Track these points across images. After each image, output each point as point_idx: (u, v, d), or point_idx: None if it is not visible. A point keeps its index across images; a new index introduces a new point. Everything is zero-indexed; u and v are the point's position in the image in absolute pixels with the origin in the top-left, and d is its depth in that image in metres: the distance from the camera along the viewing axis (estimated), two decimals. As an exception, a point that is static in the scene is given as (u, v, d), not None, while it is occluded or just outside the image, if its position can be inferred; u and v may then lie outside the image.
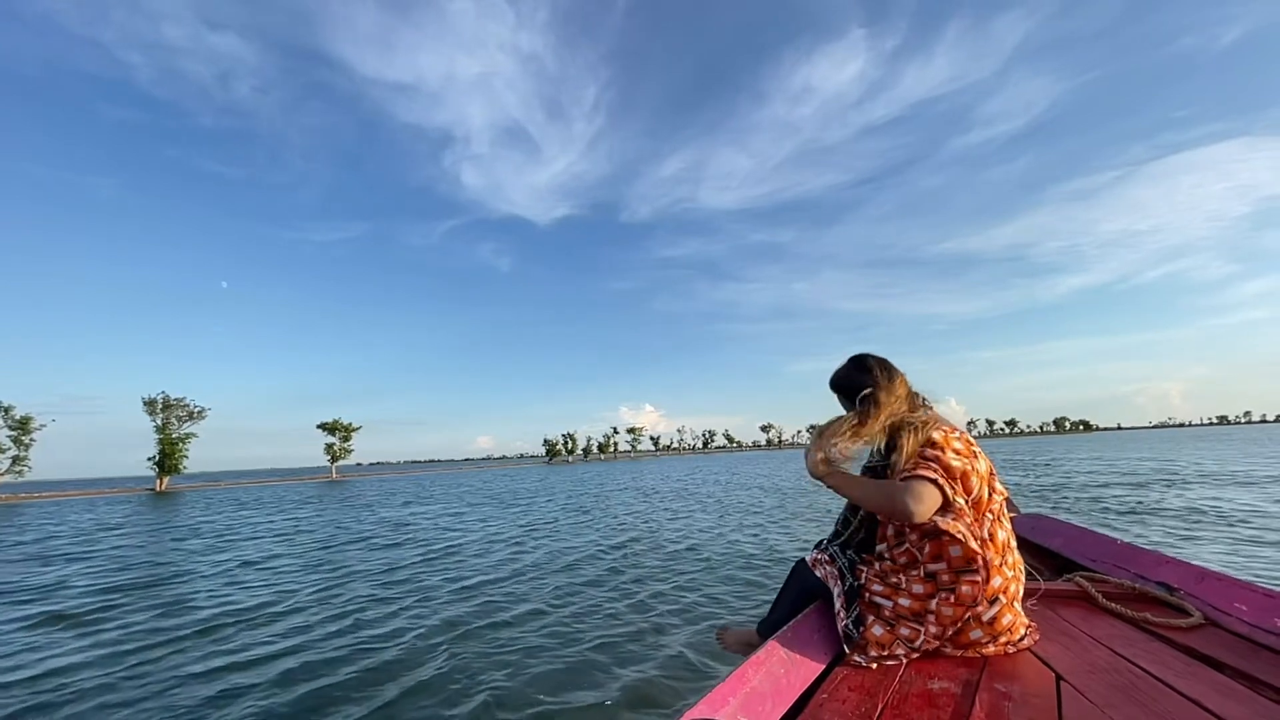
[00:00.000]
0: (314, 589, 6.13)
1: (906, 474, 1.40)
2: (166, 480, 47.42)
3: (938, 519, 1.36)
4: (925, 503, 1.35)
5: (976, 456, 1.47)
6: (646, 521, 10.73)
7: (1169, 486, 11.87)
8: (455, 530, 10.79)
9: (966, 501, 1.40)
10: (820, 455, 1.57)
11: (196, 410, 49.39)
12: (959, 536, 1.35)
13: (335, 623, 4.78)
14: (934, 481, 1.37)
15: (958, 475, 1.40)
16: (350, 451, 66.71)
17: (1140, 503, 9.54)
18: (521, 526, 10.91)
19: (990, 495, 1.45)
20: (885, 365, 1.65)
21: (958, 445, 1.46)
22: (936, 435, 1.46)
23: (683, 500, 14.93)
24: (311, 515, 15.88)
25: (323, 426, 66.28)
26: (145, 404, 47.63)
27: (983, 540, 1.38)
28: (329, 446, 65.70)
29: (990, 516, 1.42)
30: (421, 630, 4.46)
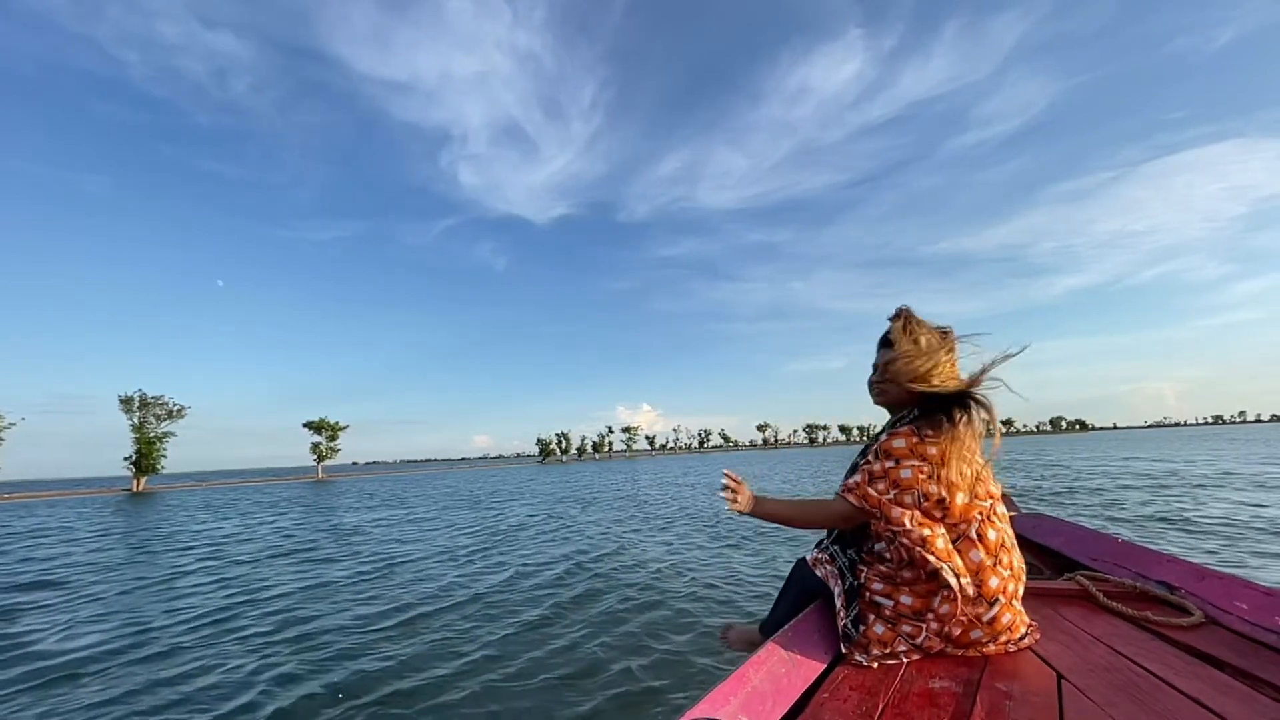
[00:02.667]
0: (198, 622, 4.93)
1: (840, 491, 1.49)
2: (144, 481, 45.96)
3: (876, 524, 1.43)
4: (844, 521, 1.52)
5: (951, 465, 1.39)
6: (634, 531, 9.53)
7: (1201, 489, 10.77)
8: (409, 542, 9.57)
9: (934, 505, 1.37)
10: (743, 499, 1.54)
11: (175, 409, 47.95)
12: (917, 541, 1.37)
13: (187, 683, 3.59)
14: (854, 505, 1.44)
15: (907, 487, 1.39)
16: (337, 451, 65.29)
17: (1171, 508, 8.42)
18: (487, 536, 9.71)
19: (972, 498, 1.40)
20: (891, 335, 1.57)
21: (930, 451, 1.39)
22: (899, 444, 1.42)
23: (673, 504, 13.73)
24: (266, 521, 14.64)
25: (309, 425, 64.90)
26: (121, 402, 46.14)
27: (969, 540, 1.37)
28: (315, 446, 64.36)
29: (979, 517, 1.39)
30: (299, 695, 3.28)
